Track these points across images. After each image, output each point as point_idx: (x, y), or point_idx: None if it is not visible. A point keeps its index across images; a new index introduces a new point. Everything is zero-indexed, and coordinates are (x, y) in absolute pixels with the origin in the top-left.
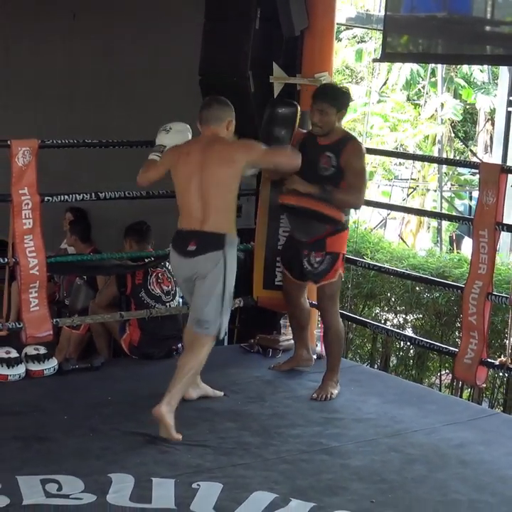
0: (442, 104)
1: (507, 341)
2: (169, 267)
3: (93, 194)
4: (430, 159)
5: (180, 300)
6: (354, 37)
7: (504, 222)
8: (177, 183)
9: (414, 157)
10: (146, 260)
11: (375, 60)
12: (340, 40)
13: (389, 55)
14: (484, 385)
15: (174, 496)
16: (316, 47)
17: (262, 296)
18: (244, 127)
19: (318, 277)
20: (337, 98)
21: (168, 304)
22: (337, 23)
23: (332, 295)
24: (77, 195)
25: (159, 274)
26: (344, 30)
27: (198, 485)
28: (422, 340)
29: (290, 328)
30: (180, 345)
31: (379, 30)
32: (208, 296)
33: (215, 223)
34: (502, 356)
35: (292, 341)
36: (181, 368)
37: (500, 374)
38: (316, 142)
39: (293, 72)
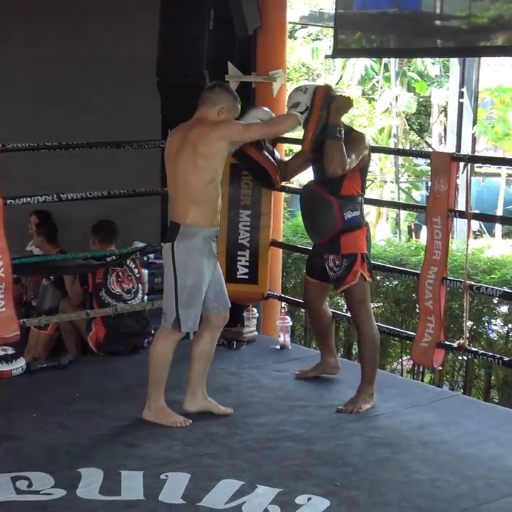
0: (396, 98)
1: (464, 325)
2: (131, 265)
3: (55, 196)
4: (385, 150)
5: (146, 297)
6: (309, 35)
7: (457, 209)
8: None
9: (373, 149)
10: (109, 259)
11: (327, 56)
12: (295, 38)
13: (341, 51)
14: (441, 368)
15: (143, 487)
16: (270, 45)
17: None
18: None
19: (337, 283)
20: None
21: (129, 302)
22: (291, 22)
23: (359, 300)
24: (39, 197)
25: (120, 273)
26: (299, 28)
27: (166, 476)
28: (382, 327)
29: (253, 321)
30: (146, 341)
31: (332, 27)
32: (165, 287)
33: (177, 213)
34: (460, 339)
35: (256, 333)
36: (151, 366)
37: (460, 357)
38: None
39: (248, 70)
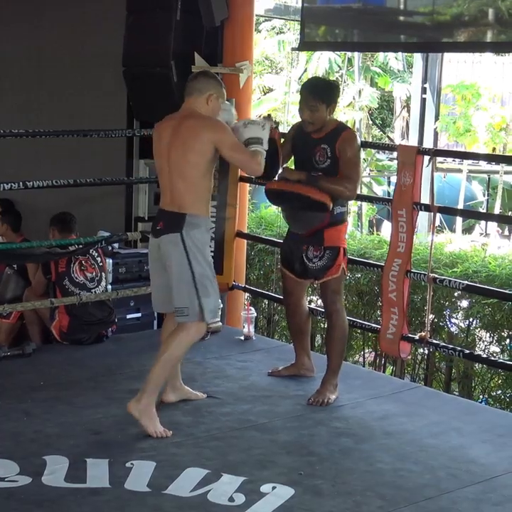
0: (360, 92)
1: (426, 317)
2: (94, 254)
3: (21, 183)
4: None
5: (110, 287)
6: (273, 28)
7: (421, 202)
8: (155, 160)
9: None
10: (72, 248)
11: (293, 49)
12: (259, 31)
13: (307, 44)
14: (409, 357)
15: (108, 475)
16: (237, 36)
17: None
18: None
19: (319, 273)
20: (326, 93)
21: (93, 291)
22: (256, 15)
23: (336, 291)
24: (4, 185)
25: (83, 262)
26: (263, 21)
27: (131, 464)
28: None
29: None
30: (110, 330)
31: (297, 21)
32: (177, 282)
33: (179, 203)
34: (422, 332)
35: (220, 323)
36: (157, 360)
37: (421, 350)
38: (310, 137)
39: (214, 61)
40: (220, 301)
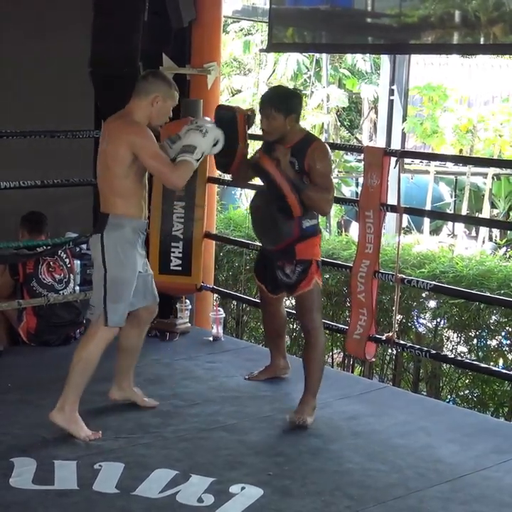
0: (328, 95)
1: (394, 318)
2: (62, 255)
3: None
4: None
5: (78, 288)
6: (241, 30)
7: (388, 203)
8: None
9: None
10: (40, 249)
11: (262, 50)
12: (227, 32)
13: (275, 45)
14: (373, 360)
15: (76, 477)
16: (205, 37)
17: (158, 281)
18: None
19: (292, 288)
20: (283, 102)
21: (61, 292)
22: (224, 16)
23: (311, 307)
24: None
25: (50, 263)
26: (231, 22)
27: (99, 466)
28: None
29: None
30: (78, 331)
31: (265, 22)
32: (94, 280)
33: (104, 204)
34: (390, 332)
35: (189, 324)
36: (71, 366)
37: (389, 351)
38: (274, 148)
39: (182, 62)
40: (188, 301)
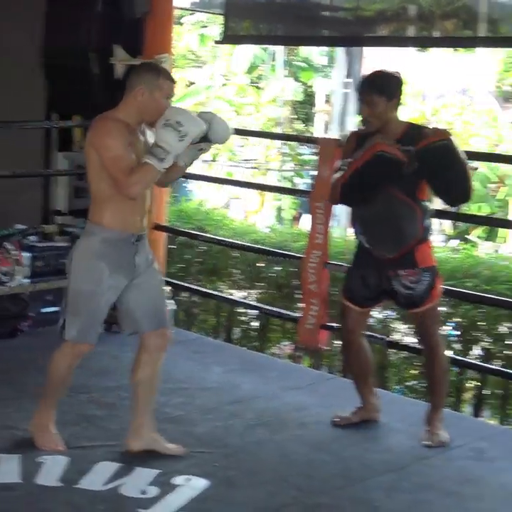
0: (283, 87)
1: None
2: (9, 247)
3: None
4: (273, 136)
5: (26, 281)
6: (197, 22)
7: None
8: None
9: (261, 135)
10: None
11: (216, 42)
12: (182, 24)
13: (230, 37)
14: (327, 348)
15: (19, 470)
16: (157, 29)
17: None
18: (87, 109)
19: (419, 301)
20: (385, 85)
21: (7, 285)
22: (180, 8)
23: (436, 322)
24: None
25: None
26: (187, 15)
27: (43, 459)
28: (266, 308)
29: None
30: (25, 324)
31: (221, 14)
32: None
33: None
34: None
35: None
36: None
37: (337, 341)
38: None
39: (135, 54)
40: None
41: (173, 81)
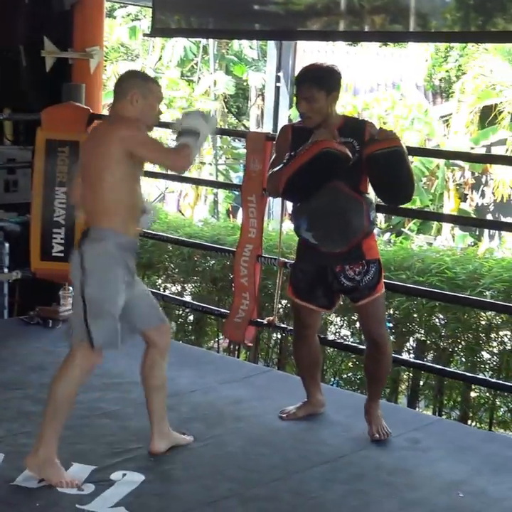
0: (215, 81)
1: (275, 301)
2: None
3: None
4: None
5: None
6: (128, 15)
7: None
8: None
9: None
10: None
11: (145, 35)
12: (114, 17)
13: (159, 30)
14: (251, 344)
15: None
16: (87, 21)
17: (40, 268)
18: (16, 101)
19: (366, 292)
20: (324, 78)
21: None
22: (111, 0)
23: (382, 315)
24: None
25: None
26: (119, 7)
27: None
28: (196, 305)
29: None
30: None
31: (151, 7)
32: (73, 301)
33: (88, 218)
34: (271, 316)
35: (72, 311)
36: (48, 403)
37: (274, 335)
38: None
39: (64, 46)
40: (71, 288)
41: (159, 85)
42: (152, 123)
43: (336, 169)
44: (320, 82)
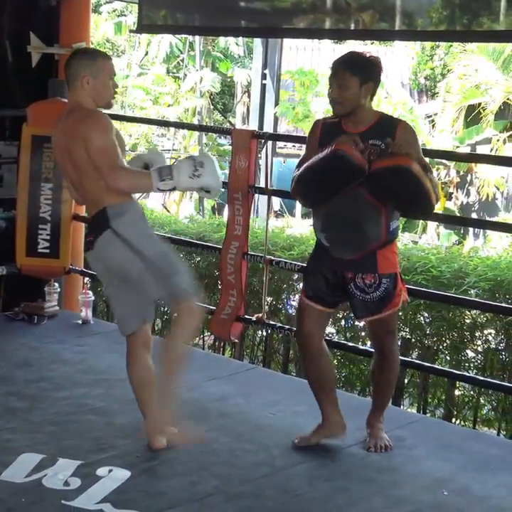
0: (201, 78)
1: (263, 298)
2: None
3: None
4: (188, 127)
5: None
6: (114, 11)
7: (257, 185)
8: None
9: (176, 125)
10: None
11: (131, 31)
12: (100, 13)
13: (146, 26)
14: (236, 341)
15: None
16: (74, 16)
17: (26, 264)
18: (1, 97)
19: (374, 309)
20: (361, 66)
21: None
22: None
23: (394, 329)
24: None
25: None
26: (104, 3)
27: None
28: None
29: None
30: None
31: (136, 3)
32: (132, 279)
33: (95, 203)
34: (259, 313)
35: (57, 308)
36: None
37: (260, 332)
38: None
39: (51, 42)
40: (57, 284)
41: (110, 58)
42: (108, 101)
43: (346, 176)
44: (355, 68)
